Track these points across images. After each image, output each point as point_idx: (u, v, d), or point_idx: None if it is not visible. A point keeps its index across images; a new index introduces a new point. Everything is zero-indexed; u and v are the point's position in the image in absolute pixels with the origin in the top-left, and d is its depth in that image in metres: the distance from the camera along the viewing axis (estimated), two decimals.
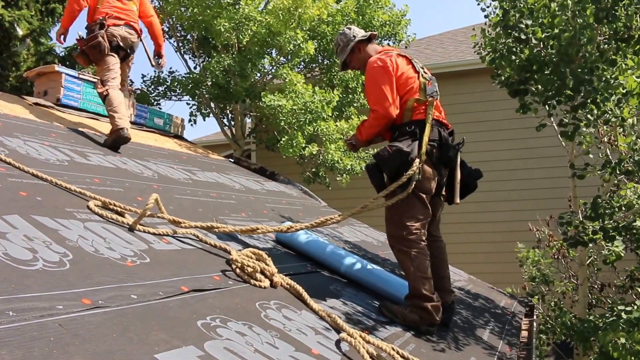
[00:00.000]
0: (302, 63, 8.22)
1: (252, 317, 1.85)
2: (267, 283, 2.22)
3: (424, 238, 2.60)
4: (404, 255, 2.58)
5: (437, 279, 2.71)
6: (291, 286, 2.29)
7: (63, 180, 2.48)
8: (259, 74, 7.88)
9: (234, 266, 2.25)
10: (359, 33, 2.91)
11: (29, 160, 2.67)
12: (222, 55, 7.18)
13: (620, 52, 3.58)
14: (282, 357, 1.66)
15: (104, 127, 4.59)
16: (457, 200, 2.76)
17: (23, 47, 8.26)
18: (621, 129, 4.16)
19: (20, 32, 8.10)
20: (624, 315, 3.82)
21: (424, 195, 2.62)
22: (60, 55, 8.93)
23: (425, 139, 2.59)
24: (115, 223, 2.26)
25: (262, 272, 2.25)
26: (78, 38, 4.01)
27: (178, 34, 8.40)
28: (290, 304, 2.16)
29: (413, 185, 2.55)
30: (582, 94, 3.50)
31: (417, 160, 2.54)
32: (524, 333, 3.67)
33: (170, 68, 8.80)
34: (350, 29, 2.94)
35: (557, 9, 3.52)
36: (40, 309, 1.34)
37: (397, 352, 2.00)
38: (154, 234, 2.32)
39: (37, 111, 4.09)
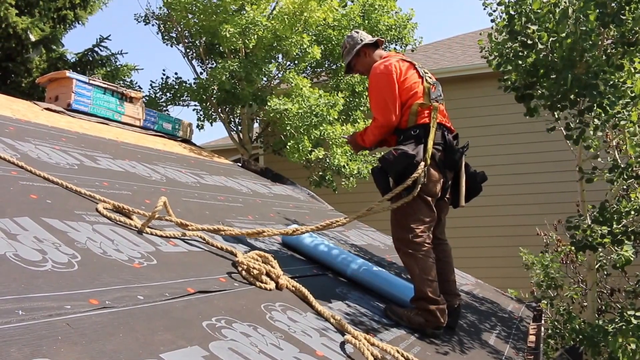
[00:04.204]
0: (309, 67, 8.25)
1: (257, 319, 1.87)
2: (272, 285, 2.24)
3: (429, 241, 2.61)
4: (410, 258, 2.59)
5: (443, 282, 2.71)
6: (297, 288, 2.30)
7: (73, 183, 2.52)
8: (265, 79, 7.93)
9: (239, 268, 2.27)
10: (366, 37, 2.94)
11: (39, 164, 2.71)
12: (229, 61, 7.24)
13: (627, 56, 3.56)
14: (286, 358, 1.67)
15: (113, 131, 4.65)
16: (463, 203, 2.77)
17: (35, 53, 8.38)
18: (629, 133, 4.13)
19: (32, 38, 8.21)
20: (634, 321, 3.78)
21: (429, 198, 2.62)
22: (72, 61, 9.05)
23: (430, 142, 2.60)
24: (123, 225, 2.30)
25: (268, 275, 2.27)
26: None
27: (186, 41, 8.48)
28: (295, 305, 2.18)
29: (418, 189, 2.56)
30: (587, 99, 3.49)
31: (422, 163, 2.56)
32: (532, 338, 3.65)
33: (176, 73, 8.84)
34: (358, 32, 2.97)
35: (558, 16, 3.52)
36: (48, 308, 1.37)
37: (402, 355, 2.00)
38: (161, 236, 2.35)
39: (48, 116, 4.15)
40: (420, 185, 2.56)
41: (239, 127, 8.84)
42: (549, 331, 5.62)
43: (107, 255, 1.89)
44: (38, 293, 1.43)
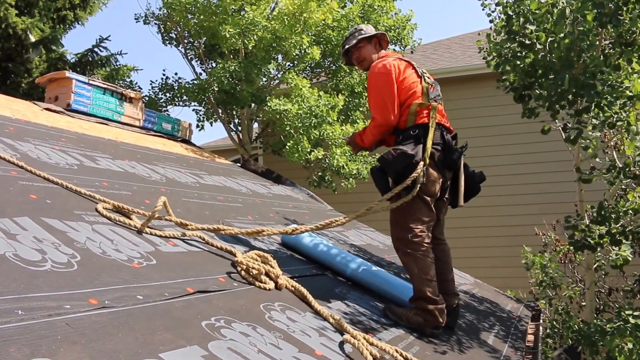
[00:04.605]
0: (308, 68, 8.26)
1: (256, 319, 1.88)
2: (271, 285, 2.24)
3: (427, 241, 2.61)
4: (408, 258, 2.60)
5: (442, 281, 2.72)
6: (296, 288, 2.31)
7: (72, 183, 2.52)
8: (265, 79, 7.93)
9: (239, 268, 2.27)
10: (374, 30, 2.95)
11: (39, 164, 2.72)
12: (228, 62, 7.25)
13: (624, 56, 3.57)
14: (285, 358, 1.68)
15: (113, 132, 4.65)
16: (462, 203, 2.78)
17: (35, 54, 8.38)
18: (627, 134, 4.14)
19: (32, 39, 8.22)
20: (631, 320, 3.80)
21: (428, 198, 2.63)
22: (71, 61, 9.06)
23: (429, 142, 2.61)
24: (123, 225, 2.30)
25: (267, 274, 2.28)
26: None
27: (186, 41, 8.49)
28: (294, 305, 2.19)
29: (417, 188, 2.56)
30: (585, 99, 3.51)
31: (421, 163, 2.56)
32: (530, 337, 3.66)
33: (176, 74, 8.82)
34: (367, 26, 2.98)
35: (556, 16, 3.53)
36: (48, 308, 1.38)
37: (401, 354, 2.01)
38: (160, 236, 2.36)
39: (47, 116, 4.16)
40: (419, 185, 2.57)
41: (239, 128, 8.84)
42: (548, 331, 5.64)
43: (106, 255, 1.90)
44: (37, 293, 1.44)
